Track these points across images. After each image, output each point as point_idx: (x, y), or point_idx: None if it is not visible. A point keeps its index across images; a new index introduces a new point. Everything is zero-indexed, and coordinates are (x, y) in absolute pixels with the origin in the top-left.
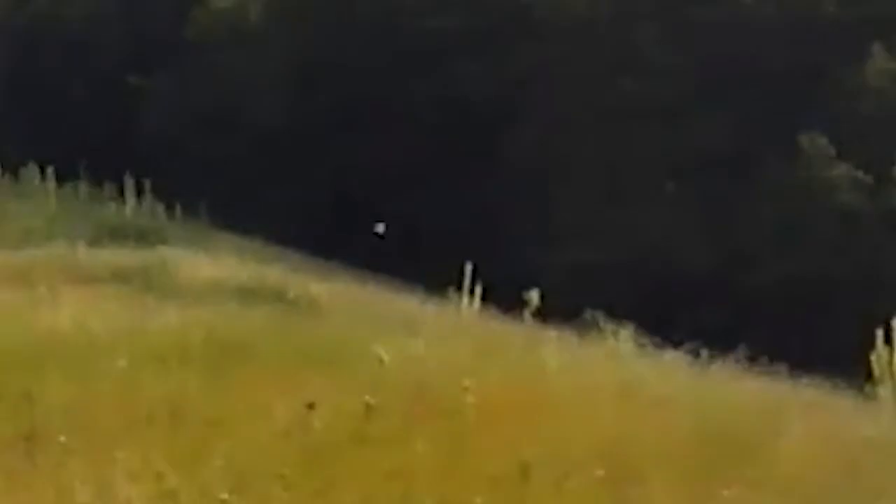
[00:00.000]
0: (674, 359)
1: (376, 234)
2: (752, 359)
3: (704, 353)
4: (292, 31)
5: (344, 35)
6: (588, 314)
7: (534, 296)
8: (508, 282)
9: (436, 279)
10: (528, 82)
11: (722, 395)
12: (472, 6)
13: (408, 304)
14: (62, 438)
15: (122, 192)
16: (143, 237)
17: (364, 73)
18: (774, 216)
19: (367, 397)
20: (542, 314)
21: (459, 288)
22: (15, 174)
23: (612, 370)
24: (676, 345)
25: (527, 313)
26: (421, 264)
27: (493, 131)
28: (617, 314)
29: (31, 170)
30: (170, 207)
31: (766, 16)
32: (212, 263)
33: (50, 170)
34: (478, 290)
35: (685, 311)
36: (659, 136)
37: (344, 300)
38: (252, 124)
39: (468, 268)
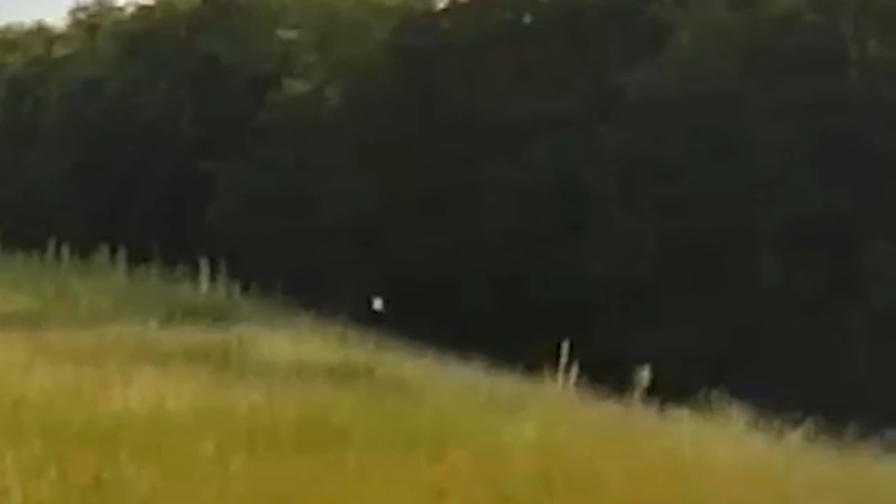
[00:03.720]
0: (799, 439)
1: (374, 311)
2: None
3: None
4: (369, 116)
5: (422, 121)
6: (702, 393)
7: (644, 375)
8: (602, 361)
9: (528, 359)
10: (625, 159)
11: (874, 481)
12: (555, 88)
13: (504, 383)
14: None
15: (195, 272)
16: (219, 316)
17: (443, 159)
18: (881, 297)
19: (499, 486)
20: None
21: (554, 367)
22: (85, 256)
23: (747, 456)
24: (795, 423)
25: (636, 393)
26: (512, 344)
27: (583, 211)
28: (725, 393)
29: (102, 251)
30: (245, 288)
31: (873, 89)
32: (293, 342)
33: (121, 251)
34: (574, 369)
35: (794, 388)
36: (759, 211)
37: (437, 380)
38: (329, 209)
39: (565, 346)
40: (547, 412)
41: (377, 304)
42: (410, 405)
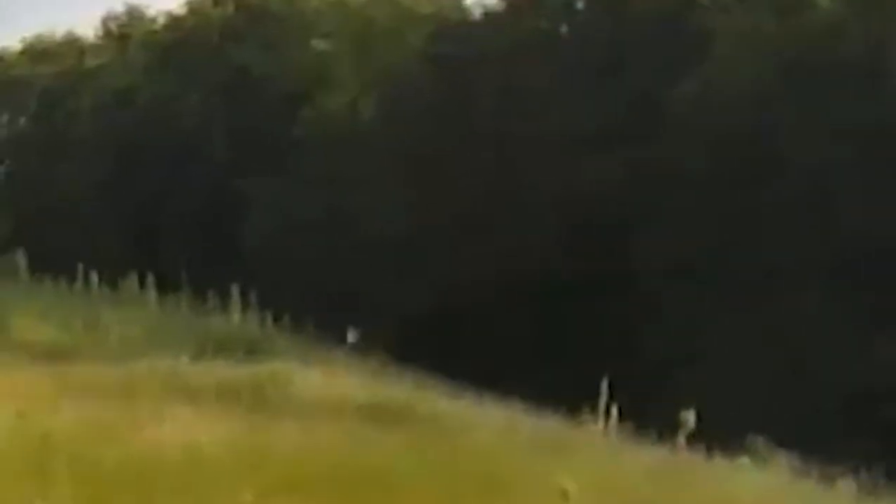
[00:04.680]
0: (854, 488)
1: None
2: None
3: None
4: (405, 127)
5: (458, 135)
6: (749, 438)
7: (690, 417)
8: (643, 400)
9: (567, 393)
10: (665, 181)
11: None
12: (594, 98)
13: (544, 424)
14: None
15: (226, 300)
16: (251, 349)
17: (480, 173)
18: None
19: None
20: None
21: (594, 405)
22: (113, 283)
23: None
24: (843, 471)
25: (682, 436)
26: (550, 375)
27: (623, 234)
28: (770, 435)
29: (131, 279)
30: (278, 318)
31: None
32: (327, 379)
33: (151, 277)
34: (614, 409)
35: (843, 431)
36: (805, 239)
37: (475, 419)
38: (364, 227)
39: (604, 385)
40: (593, 455)
41: (351, 336)
42: (453, 448)
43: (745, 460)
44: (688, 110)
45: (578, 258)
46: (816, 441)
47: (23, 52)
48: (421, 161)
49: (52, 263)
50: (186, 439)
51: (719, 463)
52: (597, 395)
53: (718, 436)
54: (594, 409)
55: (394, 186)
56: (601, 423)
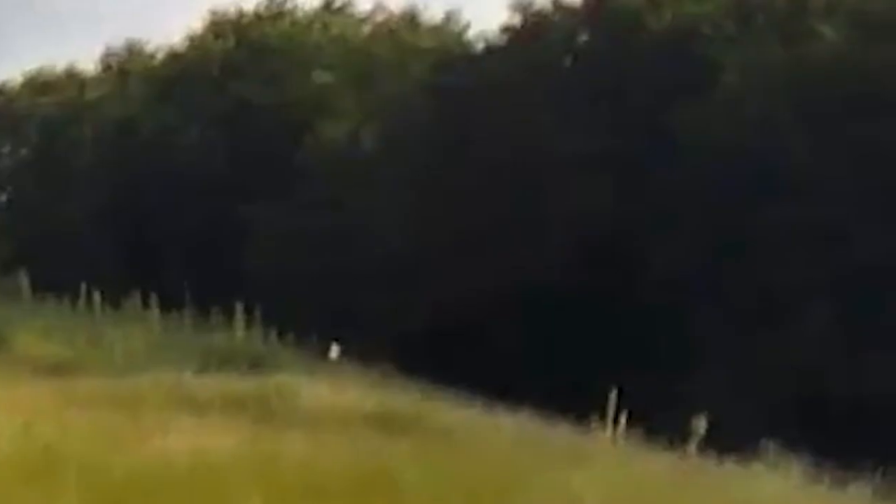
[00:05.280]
0: (868, 493)
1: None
2: None
3: None
4: (406, 158)
5: (459, 160)
6: (763, 443)
7: (701, 424)
8: (651, 409)
9: (573, 406)
10: (672, 201)
11: None
12: (596, 128)
13: (554, 433)
14: None
15: (229, 318)
16: (256, 363)
17: (482, 198)
18: None
19: None
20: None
21: (602, 415)
22: (116, 304)
23: None
24: (856, 475)
25: (693, 444)
26: (555, 391)
27: (632, 250)
28: (782, 442)
29: (134, 298)
30: (281, 334)
31: None
32: (333, 391)
33: (154, 296)
34: (623, 417)
35: (860, 437)
36: (808, 258)
37: (483, 429)
38: (366, 252)
39: (612, 396)
40: (606, 463)
41: (334, 352)
42: (464, 457)
43: (758, 466)
44: (692, 143)
45: (593, 273)
46: (829, 446)
47: (24, 85)
48: (422, 189)
49: (53, 288)
50: (193, 448)
51: (732, 469)
52: (603, 405)
53: (726, 443)
54: (602, 417)
55: (395, 212)
56: (609, 432)
